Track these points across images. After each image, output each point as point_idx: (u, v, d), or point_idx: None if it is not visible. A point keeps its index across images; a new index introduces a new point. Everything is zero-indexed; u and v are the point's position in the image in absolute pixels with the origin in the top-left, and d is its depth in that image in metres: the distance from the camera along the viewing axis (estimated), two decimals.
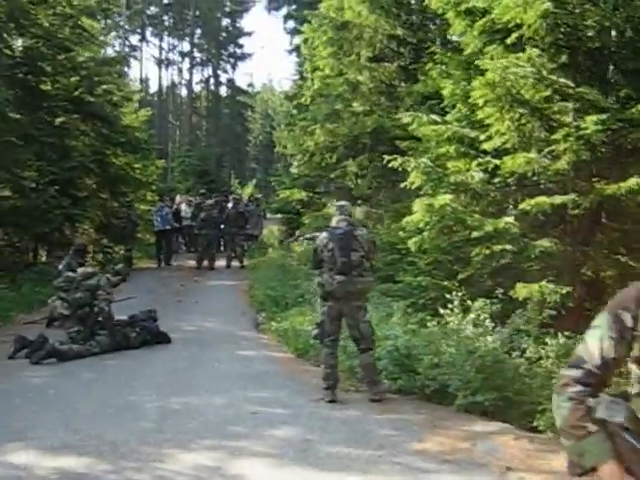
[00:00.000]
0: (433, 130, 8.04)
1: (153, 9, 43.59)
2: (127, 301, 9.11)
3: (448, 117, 8.48)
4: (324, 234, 5.70)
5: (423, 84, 11.56)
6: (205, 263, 15.22)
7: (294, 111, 28.94)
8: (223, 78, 45.58)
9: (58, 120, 14.09)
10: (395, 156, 8.13)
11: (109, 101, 16.22)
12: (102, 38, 17.23)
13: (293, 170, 18.59)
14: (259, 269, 14.23)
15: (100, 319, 7.20)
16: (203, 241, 15.58)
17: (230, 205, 16.27)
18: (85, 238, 16.07)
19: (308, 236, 6.39)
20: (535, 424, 4.56)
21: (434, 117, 8.42)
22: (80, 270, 7.46)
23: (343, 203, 6.01)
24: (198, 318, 9.60)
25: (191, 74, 39.47)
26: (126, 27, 38.49)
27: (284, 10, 40.40)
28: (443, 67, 10.18)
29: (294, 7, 40.14)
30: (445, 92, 9.03)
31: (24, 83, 13.33)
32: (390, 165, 8.20)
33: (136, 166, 17.94)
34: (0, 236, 12.71)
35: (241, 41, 45.75)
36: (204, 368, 6.75)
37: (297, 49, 44.55)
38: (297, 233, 15.68)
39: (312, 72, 25.91)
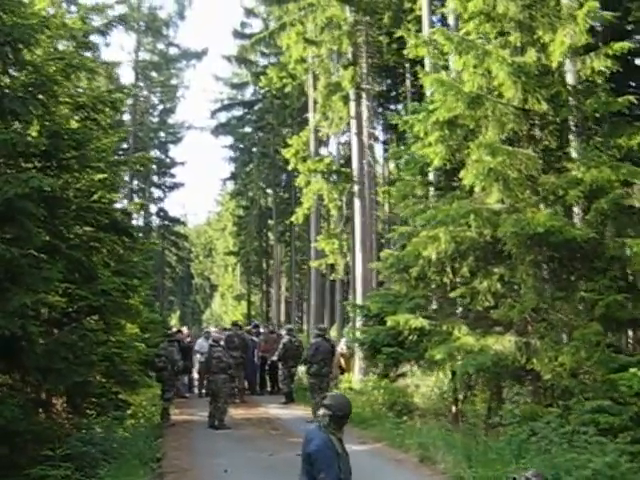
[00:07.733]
0: None
1: None
2: None
3: None
4: None
5: (597, 171, 9.17)
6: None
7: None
8: (153, 208, 42.83)
9: (75, 231, 10.39)
10: None
11: (124, 212, 12.67)
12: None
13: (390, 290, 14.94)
14: (374, 426, 10.75)
15: None
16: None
17: (286, 337, 12.74)
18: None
19: None
20: None
21: None
22: None
23: None
24: None
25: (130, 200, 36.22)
26: None
27: (229, 139, 39.43)
28: None
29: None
30: None
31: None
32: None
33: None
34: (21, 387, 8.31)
35: (172, 171, 43.97)
36: None
37: (234, 176, 43.78)
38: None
39: (306, 186, 23.76)
